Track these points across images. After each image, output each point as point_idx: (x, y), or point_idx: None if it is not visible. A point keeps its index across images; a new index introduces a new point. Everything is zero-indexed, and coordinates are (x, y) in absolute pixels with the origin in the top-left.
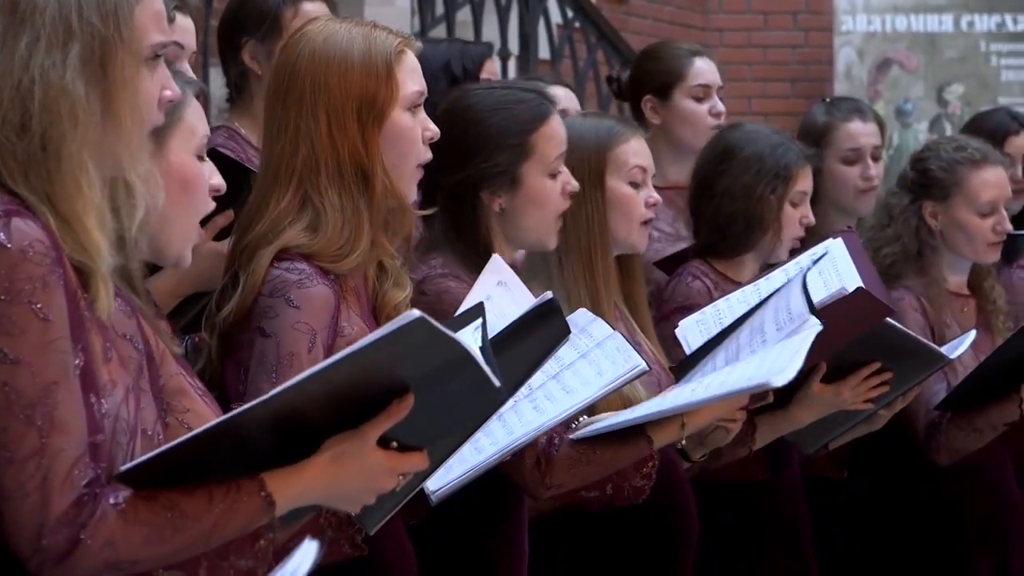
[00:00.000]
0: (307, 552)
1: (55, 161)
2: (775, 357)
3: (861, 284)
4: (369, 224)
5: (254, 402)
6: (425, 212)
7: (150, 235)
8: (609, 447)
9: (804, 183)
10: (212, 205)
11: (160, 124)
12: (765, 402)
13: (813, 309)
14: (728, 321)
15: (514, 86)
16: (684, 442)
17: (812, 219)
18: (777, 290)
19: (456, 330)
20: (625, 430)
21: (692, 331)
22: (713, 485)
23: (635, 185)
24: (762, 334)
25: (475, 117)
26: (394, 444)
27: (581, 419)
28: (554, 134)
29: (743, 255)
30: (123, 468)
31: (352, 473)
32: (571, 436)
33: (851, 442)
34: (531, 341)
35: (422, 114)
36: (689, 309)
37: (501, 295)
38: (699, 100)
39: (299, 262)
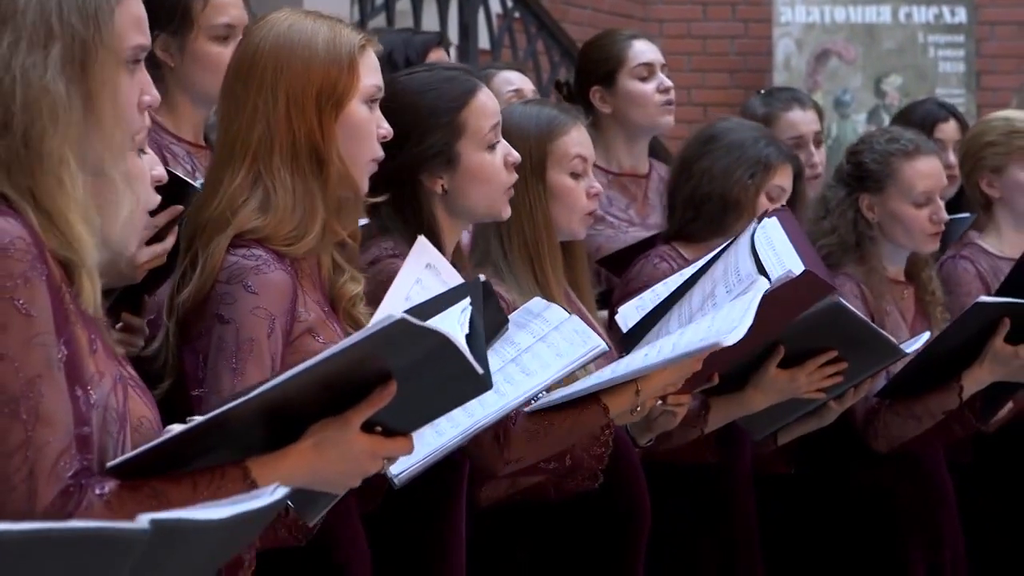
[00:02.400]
0: (275, 492)
1: (36, 158)
2: (724, 316)
3: (803, 266)
4: (323, 208)
5: (240, 400)
6: (376, 199)
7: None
8: (566, 418)
9: (783, 179)
10: (156, 197)
11: (142, 127)
12: (710, 384)
13: (762, 269)
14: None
15: (438, 66)
16: (630, 426)
17: None
18: (722, 251)
19: (442, 310)
20: (580, 400)
21: (632, 316)
22: (663, 467)
23: (576, 176)
24: (713, 298)
25: (403, 102)
26: (378, 429)
27: (539, 396)
28: (484, 107)
29: (713, 239)
30: (111, 463)
31: (335, 458)
32: (527, 409)
33: (798, 437)
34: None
35: (378, 111)
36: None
37: (430, 278)
38: (643, 79)
39: (256, 248)
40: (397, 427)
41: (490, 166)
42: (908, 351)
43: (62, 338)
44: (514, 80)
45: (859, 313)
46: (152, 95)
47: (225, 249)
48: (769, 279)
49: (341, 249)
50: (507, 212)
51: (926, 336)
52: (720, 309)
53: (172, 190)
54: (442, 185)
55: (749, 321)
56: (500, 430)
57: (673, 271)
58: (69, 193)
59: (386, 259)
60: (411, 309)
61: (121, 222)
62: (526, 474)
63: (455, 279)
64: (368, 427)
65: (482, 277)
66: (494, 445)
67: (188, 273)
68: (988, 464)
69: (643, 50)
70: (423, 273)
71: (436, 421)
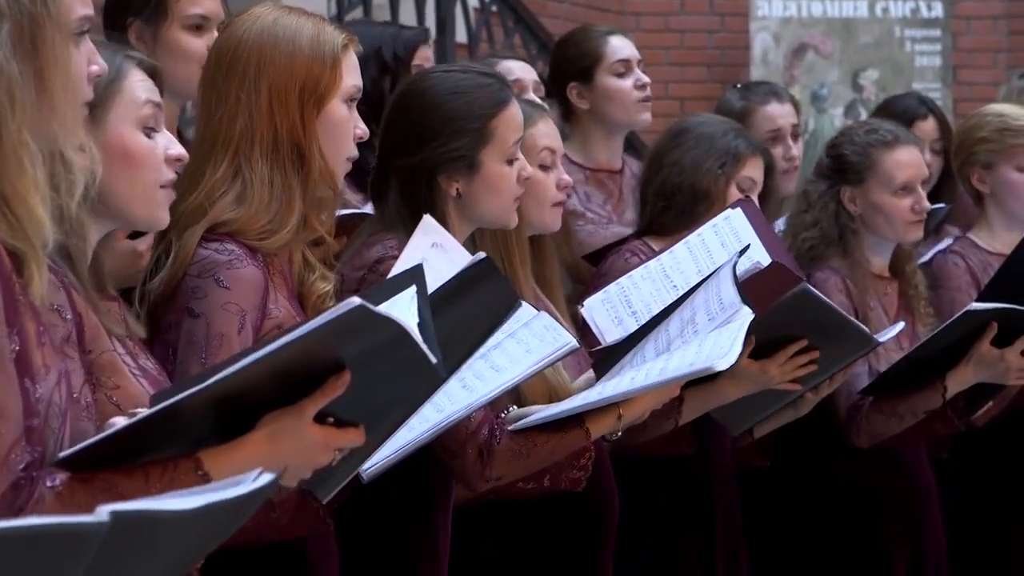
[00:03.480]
0: (258, 479)
1: None
2: (713, 343)
3: (771, 258)
4: (301, 203)
5: (193, 389)
6: (344, 203)
7: (112, 209)
8: (549, 439)
9: (753, 170)
10: (169, 175)
11: (91, 98)
12: (706, 385)
13: (745, 298)
14: (633, 298)
15: (472, 70)
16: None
17: None
18: (705, 280)
19: (390, 296)
20: (563, 421)
21: (598, 310)
22: (640, 460)
23: (545, 168)
24: (694, 324)
25: (433, 100)
26: (331, 420)
27: (511, 408)
28: (513, 120)
29: (684, 231)
30: (62, 455)
31: (288, 449)
32: (511, 428)
33: (776, 430)
34: (473, 304)
35: (355, 111)
36: None
37: (437, 257)
38: (621, 76)
39: (229, 243)
40: (348, 417)
41: (507, 178)
42: (881, 340)
43: (14, 329)
44: (515, 70)
45: (827, 300)
46: (100, 64)
47: (198, 241)
48: (753, 309)
49: (315, 247)
50: (514, 221)
51: (900, 326)
52: (705, 336)
53: None
54: (457, 188)
55: (739, 349)
56: (484, 448)
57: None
58: (29, 175)
59: (390, 259)
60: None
61: (76, 199)
62: (504, 491)
63: (463, 257)
64: (319, 418)
65: (482, 254)
66: (477, 462)
67: (162, 260)
68: (966, 460)
69: (620, 46)
70: (429, 252)
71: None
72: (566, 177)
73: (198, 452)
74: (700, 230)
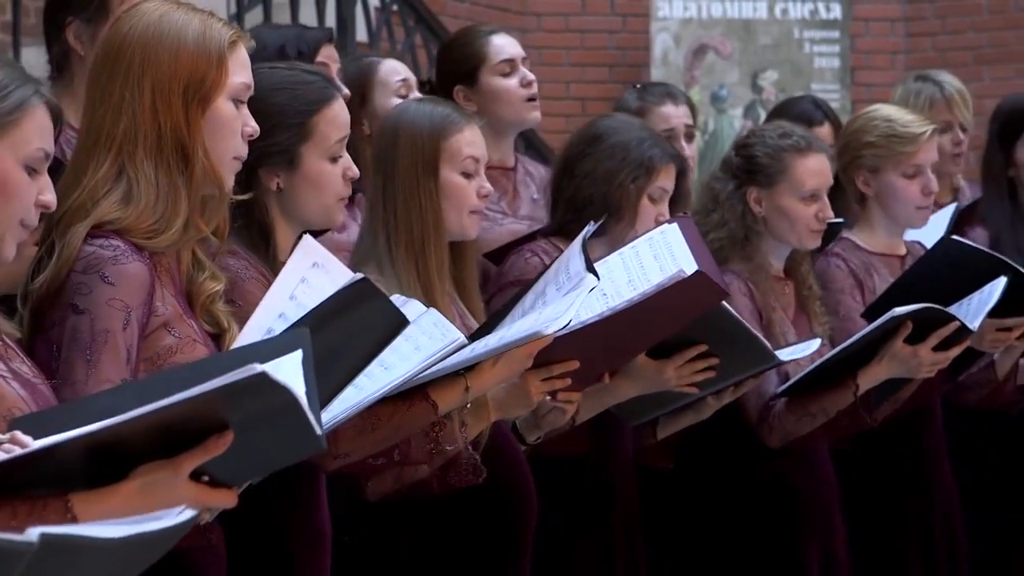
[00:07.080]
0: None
1: None
2: (551, 310)
3: (698, 267)
4: (186, 203)
5: (76, 433)
6: (242, 197)
7: None
8: (393, 414)
9: (666, 181)
10: (33, 218)
11: None
12: (601, 384)
13: (590, 267)
14: None
15: (299, 67)
16: (519, 423)
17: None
18: (557, 258)
19: (276, 356)
20: (407, 395)
21: None
22: (539, 460)
23: (467, 175)
24: (543, 296)
25: (257, 95)
26: (205, 478)
27: None
28: (336, 118)
29: (595, 238)
30: None
31: (159, 502)
32: None
33: (680, 432)
34: (353, 325)
35: (245, 109)
36: (522, 283)
37: (318, 277)
38: (506, 75)
39: (114, 239)
40: (223, 478)
41: (328, 175)
42: (785, 359)
43: None
44: (400, 70)
45: (737, 316)
46: None
47: (83, 238)
48: (597, 277)
49: (205, 245)
50: (338, 221)
51: (815, 343)
52: (548, 305)
53: None
54: (278, 183)
55: (571, 314)
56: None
57: (544, 265)
58: None
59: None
60: (246, 349)
61: None
62: (354, 468)
63: (344, 275)
64: (194, 475)
65: (359, 275)
66: None
67: (44, 261)
68: (867, 451)
69: (503, 45)
70: (309, 272)
71: None
72: (487, 186)
73: (69, 494)
74: (635, 243)
